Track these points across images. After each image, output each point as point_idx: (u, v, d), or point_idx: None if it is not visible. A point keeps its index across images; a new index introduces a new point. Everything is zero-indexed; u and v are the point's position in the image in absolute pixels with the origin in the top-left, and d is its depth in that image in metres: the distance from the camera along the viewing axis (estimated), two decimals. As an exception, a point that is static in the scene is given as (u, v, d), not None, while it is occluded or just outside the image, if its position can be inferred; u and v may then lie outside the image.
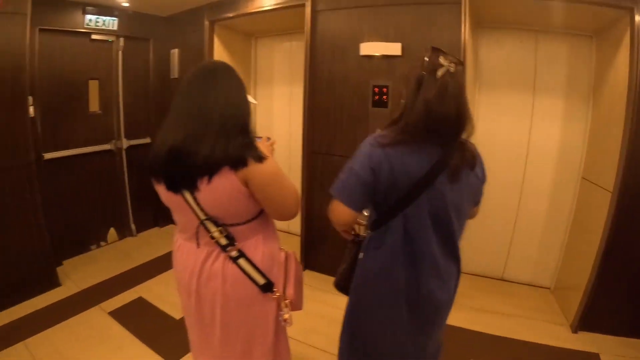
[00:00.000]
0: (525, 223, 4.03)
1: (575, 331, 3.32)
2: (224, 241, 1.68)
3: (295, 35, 4.74)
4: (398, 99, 3.42)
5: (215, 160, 1.52)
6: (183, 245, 1.84)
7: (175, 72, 5.12)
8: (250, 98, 1.73)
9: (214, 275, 1.72)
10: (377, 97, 3.55)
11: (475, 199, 1.83)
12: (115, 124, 5.00)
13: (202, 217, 1.64)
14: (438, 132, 1.60)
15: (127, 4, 4.54)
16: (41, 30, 4.04)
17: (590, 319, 3.27)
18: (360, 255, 1.85)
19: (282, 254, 1.93)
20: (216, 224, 1.66)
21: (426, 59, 1.62)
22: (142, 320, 3.45)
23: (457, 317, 3.22)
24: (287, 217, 1.74)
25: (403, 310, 1.77)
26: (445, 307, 1.85)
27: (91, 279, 4.14)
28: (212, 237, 1.67)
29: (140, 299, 3.77)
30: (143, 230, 5.40)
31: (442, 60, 1.59)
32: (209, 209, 1.63)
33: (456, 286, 1.87)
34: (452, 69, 1.58)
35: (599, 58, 3.49)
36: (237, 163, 1.53)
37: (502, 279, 4.19)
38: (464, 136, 1.67)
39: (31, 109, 3.69)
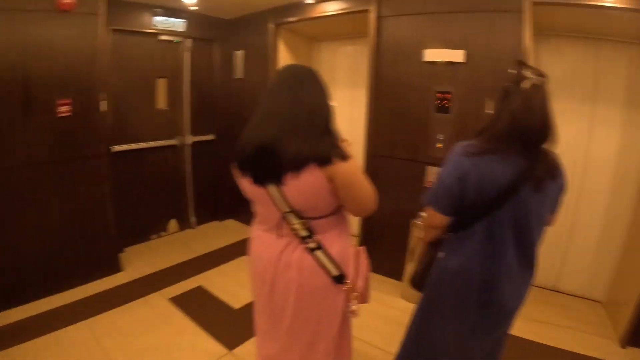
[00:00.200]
0: (581, 234, 3.79)
1: (623, 346, 3.11)
2: (304, 233, 1.73)
3: (358, 39, 4.66)
4: (461, 105, 3.28)
5: (304, 157, 1.58)
6: (262, 235, 1.88)
7: (238, 73, 5.15)
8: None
9: (290, 265, 1.77)
10: (439, 103, 3.46)
11: (554, 208, 1.82)
12: (181, 121, 5.08)
13: (285, 209, 1.70)
14: (523, 142, 1.64)
15: (194, 7, 4.60)
16: (114, 30, 4.15)
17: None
18: (441, 254, 1.89)
19: (354, 249, 1.94)
20: (298, 216, 1.71)
21: (512, 71, 1.69)
22: (202, 308, 3.48)
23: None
24: (364, 213, 1.80)
25: (474, 311, 1.81)
26: (514, 312, 1.86)
27: (152, 266, 4.23)
28: (293, 229, 1.73)
29: (200, 288, 3.80)
30: (202, 223, 5.47)
31: (527, 72, 1.65)
32: (292, 202, 1.68)
33: (527, 293, 1.86)
34: (537, 82, 1.63)
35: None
36: (324, 161, 1.58)
37: (555, 290, 3.96)
38: (547, 146, 1.69)
39: (104, 104, 3.80)
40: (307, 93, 1.68)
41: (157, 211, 5.04)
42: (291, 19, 4.46)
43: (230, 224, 5.57)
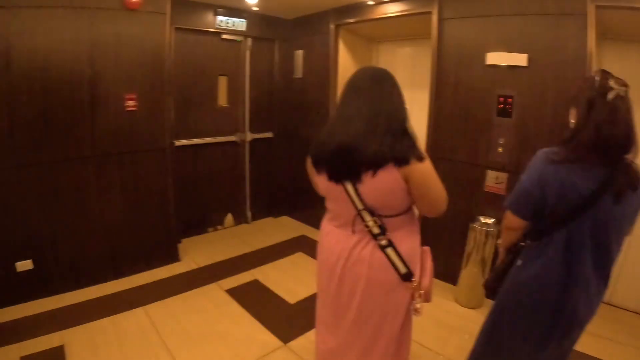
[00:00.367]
0: (638, 249, 3.47)
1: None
2: (376, 230, 1.75)
3: (418, 41, 4.52)
4: (523, 109, 3.12)
5: (383, 156, 1.60)
6: (333, 231, 1.93)
7: (298, 72, 5.12)
8: None
9: (361, 261, 1.80)
10: (501, 107, 3.31)
11: (633, 219, 1.75)
12: (241, 118, 5.09)
13: (360, 207, 1.72)
14: (606, 153, 1.59)
15: (256, 8, 4.60)
16: (177, 29, 4.19)
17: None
18: (519, 262, 1.86)
19: (420, 248, 1.95)
20: (371, 214, 1.73)
21: (597, 79, 1.65)
22: (258, 301, 3.46)
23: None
24: (436, 213, 1.80)
25: (546, 320, 1.78)
26: (585, 323, 1.82)
27: (208, 258, 4.27)
28: (366, 226, 1.75)
29: (256, 282, 3.78)
30: (258, 218, 5.46)
31: (612, 83, 1.60)
32: (368, 200, 1.71)
33: (599, 305, 1.81)
34: (622, 93, 1.59)
35: None
36: (402, 161, 1.60)
37: (609, 304, 3.67)
38: (629, 157, 1.64)
39: (169, 100, 3.87)
40: (386, 95, 1.71)
41: (214, 205, 5.07)
42: (352, 20, 4.38)
43: (285, 220, 5.53)
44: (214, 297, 3.51)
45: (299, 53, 5.06)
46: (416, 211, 1.88)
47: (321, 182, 1.84)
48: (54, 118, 3.29)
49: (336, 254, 1.87)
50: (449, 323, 3.18)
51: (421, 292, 1.81)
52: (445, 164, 3.64)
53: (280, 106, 5.38)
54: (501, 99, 3.31)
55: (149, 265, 3.97)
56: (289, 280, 3.81)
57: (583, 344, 2.93)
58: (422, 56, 4.28)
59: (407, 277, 1.78)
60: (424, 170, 1.65)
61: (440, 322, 3.19)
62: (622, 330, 3.22)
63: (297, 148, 5.21)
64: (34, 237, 3.36)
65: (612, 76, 1.64)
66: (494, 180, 3.36)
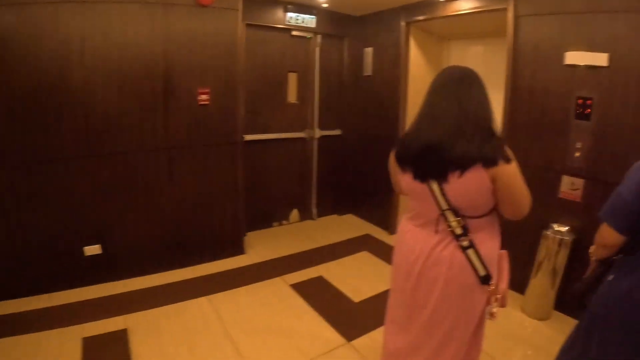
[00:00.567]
0: None
1: None
2: (459, 231, 1.71)
3: (490, 39, 4.31)
4: (603, 112, 3.01)
5: (471, 157, 1.57)
6: (414, 230, 1.89)
7: (368, 70, 4.98)
8: None
9: (440, 261, 1.76)
10: (579, 109, 3.04)
11: None
12: (310, 115, 5.05)
13: (445, 207, 1.69)
14: None
15: (326, 4, 4.55)
16: (248, 25, 4.20)
17: None
18: (610, 276, 1.74)
19: (499, 252, 1.89)
20: (455, 214, 1.69)
21: None
22: (322, 297, 3.38)
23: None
24: (519, 216, 1.74)
25: (638, 336, 1.62)
26: None
27: (274, 252, 4.25)
28: (449, 226, 1.71)
29: (320, 278, 3.70)
30: (323, 215, 5.39)
31: None
32: (453, 200, 1.67)
33: None
34: None
35: None
36: (490, 162, 1.57)
37: None
38: None
39: (240, 95, 3.91)
40: (474, 95, 1.68)
41: (281, 200, 5.05)
42: (423, 17, 4.20)
43: (350, 218, 5.41)
44: (279, 291, 3.47)
45: (369, 50, 4.93)
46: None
47: (405, 181, 1.81)
48: (128, 110, 3.39)
49: (415, 253, 1.83)
50: (514, 333, 2.97)
51: (498, 296, 1.76)
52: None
53: (349, 104, 5.28)
54: (580, 101, 3.03)
55: (215, 256, 4.01)
56: (354, 278, 3.69)
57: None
58: (495, 55, 4.08)
59: (485, 280, 1.72)
60: (511, 172, 1.61)
61: (505, 331, 2.97)
62: None
63: (365, 146, 5.10)
64: (104, 224, 3.48)
65: None
66: (569, 186, 3.10)
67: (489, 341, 2.82)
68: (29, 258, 3.28)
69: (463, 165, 1.59)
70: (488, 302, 1.78)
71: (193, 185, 3.78)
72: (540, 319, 3.14)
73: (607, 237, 1.68)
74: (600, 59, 2.91)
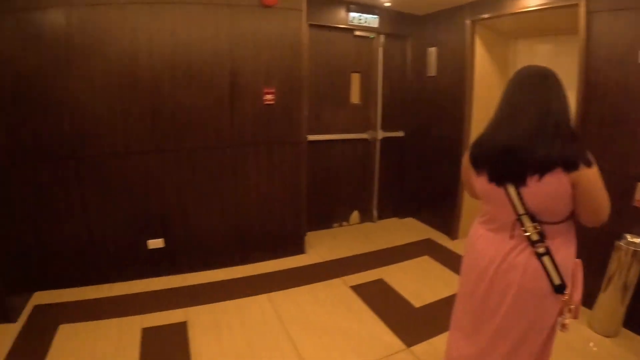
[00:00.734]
0: None
1: None
2: (535, 237, 1.64)
3: (560, 37, 4.05)
4: None
5: (552, 160, 1.51)
6: (487, 235, 1.83)
7: (432, 70, 4.85)
8: None
9: (514, 267, 1.69)
10: None
11: None
12: (373, 116, 4.98)
13: (521, 211, 1.63)
14: None
15: (388, 4, 4.48)
16: (310, 25, 4.19)
17: None
18: None
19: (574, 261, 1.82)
20: (532, 219, 1.63)
21: None
22: (382, 301, 3.31)
23: None
24: (597, 223, 1.66)
25: None
26: None
27: (334, 253, 4.23)
28: (525, 232, 1.65)
29: (380, 281, 3.63)
30: (383, 218, 5.31)
31: None
32: (530, 204, 1.61)
33: None
34: None
35: None
36: (571, 166, 1.51)
37: None
38: None
39: (304, 95, 3.92)
40: (553, 95, 1.61)
41: (341, 201, 5.03)
42: (489, 15, 4.02)
43: (410, 222, 5.29)
44: (338, 291, 3.43)
45: (432, 50, 4.80)
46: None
47: (480, 183, 1.75)
48: (195, 108, 3.50)
49: (488, 259, 1.77)
50: (579, 349, 2.77)
51: (571, 307, 1.68)
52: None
53: (412, 105, 5.16)
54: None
55: (275, 254, 4.04)
56: (415, 283, 3.59)
57: None
58: (565, 54, 3.86)
59: (560, 289, 1.64)
60: (592, 176, 1.53)
61: (570, 346, 2.77)
62: None
63: (428, 148, 4.96)
64: (168, 218, 3.60)
65: None
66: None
67: (553, 356, 2.70)
68: (94, 248, 3.46)
69: (543, 168, 1.52)
70: (560, 313, 1.71)
71: (256, 184, 3.83)
72: (608, 336, 2.92)
73: None
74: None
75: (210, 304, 3.22)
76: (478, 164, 1.75)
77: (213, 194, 3.70)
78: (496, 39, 4.49)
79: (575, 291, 1.70)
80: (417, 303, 3.29)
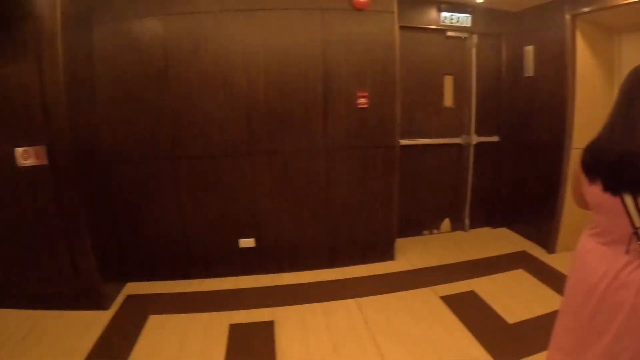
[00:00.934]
0: None
1: None
2: None
3: None
4: None
5: None
6: (597, 248, 1.69)
7: (529, 71, 4.59)
8: None
9: (627, 285, 1.54)
10: None
11: None
12: (466, 120, 4.84)
13: (639, 224, 1.48)
14: None
15: (481, 0, 4.33)
16: (401, 27, 4.12)
17: None
18: None
19: None
20: None
21: None
22: (473, 314, 3.19)
23: None
24: None
25: None
26: None
27: (423, 261, 4.17)
28: None
29: (472, 293, 3.51)
30: (475, 227, 5.13)
31: None
32: None
33: None
34: None
35: None
36: None
37: None
38: None
39: (397, 98, 3.91)
40: None
41: (432, 208, 4.95)
42: (591, 8, 3.73)
43: (504, 232, 5.07)
44: (428, 301, 3.36)
45: (529, 49, 4.54)
46: None
47: (592, 193, 1.63)
48: (289, 112, 3.63)
49: (599, 275, 1.63)
50: None
51: None
52: None
53: (508, 108, 4.91)
54: None
55: (364, 259, 4.05)
56: (508, 297, 3.42)
57: None
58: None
59: None
60: None
61: None
62: None
63: (524, 155, 4.72)
64: (260, 218, 3.76)
65: None
66: None
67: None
68: (187, 244, 3.74)
69: None
70: None
71: (348, 187, 3.88)
72: None
73: None
74: None
75: (298, 305, 3.31)
76: (591, 171, 1.61)
77: (304, 196, 3.81)
78: (599, 34, 4.15)
79: None
80: (510, 319, 3.13)
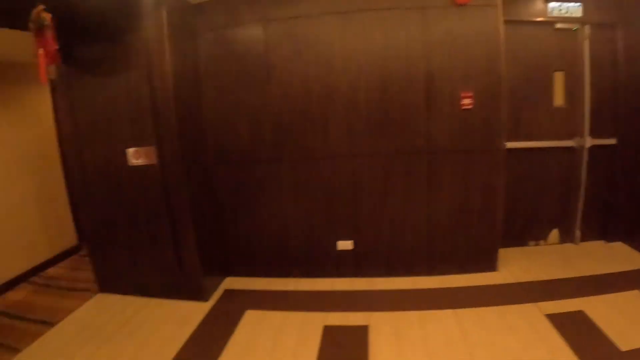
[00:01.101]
0: None
1: None
2: None
3: None
4: None
5: None
6: None
7: (652, 63, 4.13)
8: None
9: None
10: None
11: None
12: (579, 120, 4.48)
13: None
14: None
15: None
16: (505, 21, 3.86)
17: None
18: None
19: None
20: None
21: None
22: (582, 337, 2.95)
23: None
24: None
25: None
26: None
27: (528, 274, 3.94)
28: None
29: (581, 313, 3.25)
30: (587, 239, 4.73)
31: None
32: None
33: None
34: None
35: None
36: None
37: None
38: None
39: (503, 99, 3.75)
40: None
41: (539, 217, 4.66)
42: None
43: (620, 248, 4.62)
44: (532, 319, 3.17)
45: None
46: None
47: None
48: (390, 113, 3.64)
49: None
50: None
51: None
52: None
53: (628, 107, 4.45)
54: None
55: (464, 268, 3.95)
56: (622, 321, 3.13)
57: None
58: None
59: None
60: None
61: None
62: None
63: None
64: (359, 221, 3.82)
65: None
66: None
67: None
68: (286, 244, 3.91)
69: None
70: None
71: (450, 192, 3.81)
72: None
73: None
74: None
75: (393, 312, 3.30)
76: None
77: (404, 200, 3.80)
78: None
79: None
80: (623, 346, 2.85)
